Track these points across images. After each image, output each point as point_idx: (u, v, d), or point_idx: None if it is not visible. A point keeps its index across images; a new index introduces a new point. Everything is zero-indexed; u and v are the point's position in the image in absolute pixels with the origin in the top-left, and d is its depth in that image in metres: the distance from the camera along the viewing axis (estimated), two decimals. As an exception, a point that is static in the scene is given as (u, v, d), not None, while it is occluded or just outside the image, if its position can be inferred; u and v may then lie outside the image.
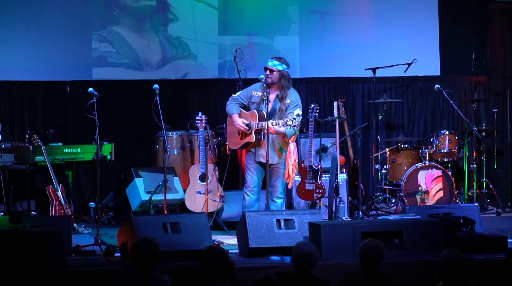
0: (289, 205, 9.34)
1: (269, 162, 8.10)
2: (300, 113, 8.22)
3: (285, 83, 8.25)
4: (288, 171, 8.26)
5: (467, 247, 7.01)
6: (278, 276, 4.77)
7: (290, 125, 7.92)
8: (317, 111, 8.71)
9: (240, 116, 8.27)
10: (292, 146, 8.27)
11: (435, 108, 11.25)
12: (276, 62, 8.24)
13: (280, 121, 8.01)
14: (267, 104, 8.08)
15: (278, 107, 8.20)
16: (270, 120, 8.05)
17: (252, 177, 8.30)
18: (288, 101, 8.23)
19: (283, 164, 8.30)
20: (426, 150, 10.17)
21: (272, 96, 8.22)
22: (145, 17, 10.97)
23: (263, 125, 8.04)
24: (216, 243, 7.74)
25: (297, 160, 8.38)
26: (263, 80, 8.17)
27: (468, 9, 11.32)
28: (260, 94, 8.25)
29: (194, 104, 10.86)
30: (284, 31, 11.14)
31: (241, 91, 8.47)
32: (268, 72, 8.21)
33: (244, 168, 8.50)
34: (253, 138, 8.18)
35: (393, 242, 7.13)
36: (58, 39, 10.71)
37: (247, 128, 8.18)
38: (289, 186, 8.49)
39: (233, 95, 8.43)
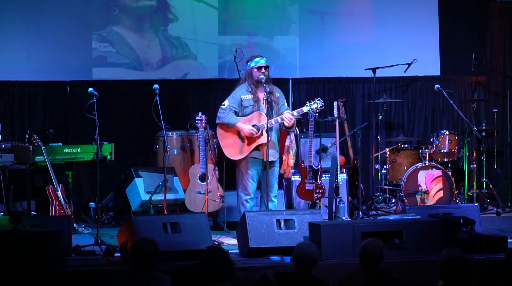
0: (289, 205, 9.34)
1: (272, 159, 8.15)
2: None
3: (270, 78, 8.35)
4: (288, 162, 8.28)
5: (467, 247, 7.01)
6: (278, 277, 4.77)
7: (315, 109, 8.21)
8: (317, 111, 8.72)
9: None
10: (292, 136, 8.34)
11: (435, 108, 11.25)
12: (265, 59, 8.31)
13: (304, 108, 8.18)
14: (268, 103, 8.09)
15: (273, 102, 8.22)
16: (283, 115, 8.15)
17: (252, 184, 8.25)
18: (277, 95, 8.28)
19: (278, 162, 8.33)
20: (426, 150, 10.17)
21: (262, 94, 8.21)
22: (145, 17, 10.97)
23: (280, 120, 8.10)
24: (216, 243, 7.75)
25: (296, 151, 8.47)
26: (263, 80, 8.16)
27: (468, 9, 11.32)
28: (250, 96, 8.23)
29: (194, 104, 10.86)
30: (284, 31, 11.14)
31: (228, 100, 8.28)
32: (263, 69, 8.22)
33: (242, 175, 8.31)
34: (266, 137, 8.14)
35: (393, 242, 7.13)
36: (58, 39, 10.71)
37: (257, 131, 8.16)
38: (287, 175, 8.47)
39: (222, 106, 8.24)
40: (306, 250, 5.35)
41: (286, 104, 8.38)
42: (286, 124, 8.14)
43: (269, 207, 8.16)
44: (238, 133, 8.22)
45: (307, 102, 8.36)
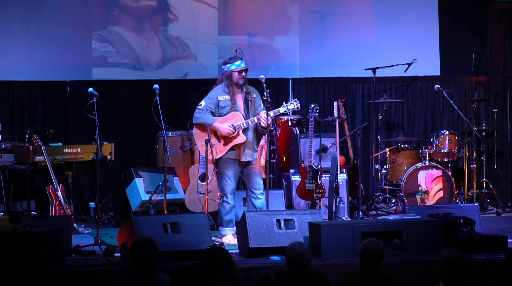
0: (289, 205, 9.34)
1: (249, 159, 8.19)
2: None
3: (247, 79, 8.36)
4: (259, 161, 8.26)
5: (467, 247, 7.01)
6: (278, 277, 4.77)
7: (292, 108, 8.11)
8: (317, 111, 8.72)
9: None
10: (266, 137, 8.32)
11: (435, 108, 11.24)
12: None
13: (281, 108, 8.15)
14: (268, 104, 8.09)
15: (249, 102, 8.22)
16: (259, 115, 8.13)
17: (230, 184, 8.24)
18: (253, 95, 8.27)
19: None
20: (426, 150, 10.17)
21: (240, 95, 8.22)
22: (145, 17, 10.97)
23: (256, 121, 8.10)
24: (217, 243, 7.75)
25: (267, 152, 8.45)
26: (263, 80, 8.16)
27: (468, 9, 11.32)
28: (228, 97, 8.22)
29: (194, 104, 10.79)
30: (284, 31, 11.13)
31: (205, 100, 8.27)
32: (244, 73, 8.22)
33: (220, 176, 8.28)
34: (243, 138, 8.17)
35: (393, 242, 7.13)
36: (58, 39, 10.71)
37: (234, 130, 8.16)
38: (263, 176, 8.46)
39: (198, 107, 8.26)
40: (297, 250, 5.34)
41: (262, 105, 8.30)
42: (262, 124, 8.13)
43: (256, 204, 8.14)
44: (215, 133, 8.22)
45: (284, 102, 8.32)
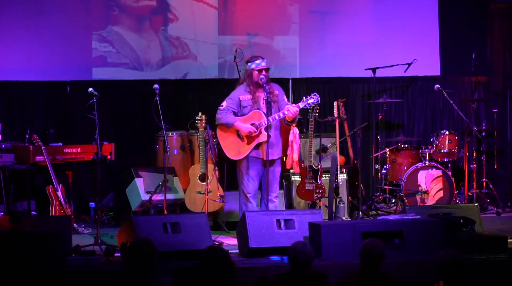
0: (289, 205, 9.34)
1: (272, 158, 8.15)
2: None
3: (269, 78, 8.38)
4: (292, 156, 8.31)
5: (467, 247, 7.01)
6: (277, 277, 4.77)
7: (311, 103, 8.22)
8: (317, 111, 8.72)
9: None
10: (296, 130, 8.36)
11: (435, 108, 11.25)
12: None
13: (300, 103, 8.21)
14: (269, 103, 8.09)
15: (271, 101, 8.24)
16: (286, 108, 8.17)
17: (253, 184, 8.24)
18: (276, 92, 8.27)
19: (279, 162, 8.32)
20: (426, 150, 10.17)
21: (261, 94, 8.22)
22: (145, 17, 10.97)
23: (287, 113, 8.10)
24: (216, 243, 7.75)
25: (300, 145, 8.49)
26: (263, 81, 8.17)
27: (468, 9, 11.32)
28: (249, 96, 8.24)
29: (194, 104, 10.85)
30: (284, 31, 11.13)
31: (226, 100, 8.31)
32: (264, 71, 8.22)
33: (243, 175, 8.28)
34: (265, 136, 8.15)
35: (393, 242, 7.14)
36: (58, 39, 10.70)
37: (256, 129, 8.16)
38: (296, 171, 8.53)
39: (220, 108, 8.29)
40: (300, 249, 5.34)
41: (286, 99, 8.38)
42: (291, 115, 8.12)
43: (269, 207, 8.16)
44: (237, 133, 8.23)
45: (304, 97, 8.35)
